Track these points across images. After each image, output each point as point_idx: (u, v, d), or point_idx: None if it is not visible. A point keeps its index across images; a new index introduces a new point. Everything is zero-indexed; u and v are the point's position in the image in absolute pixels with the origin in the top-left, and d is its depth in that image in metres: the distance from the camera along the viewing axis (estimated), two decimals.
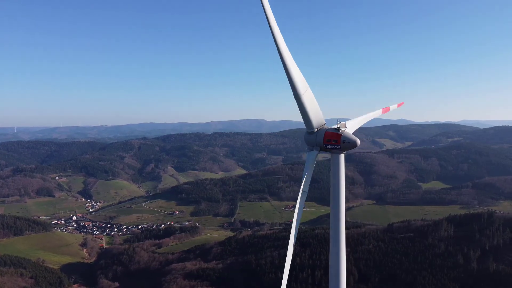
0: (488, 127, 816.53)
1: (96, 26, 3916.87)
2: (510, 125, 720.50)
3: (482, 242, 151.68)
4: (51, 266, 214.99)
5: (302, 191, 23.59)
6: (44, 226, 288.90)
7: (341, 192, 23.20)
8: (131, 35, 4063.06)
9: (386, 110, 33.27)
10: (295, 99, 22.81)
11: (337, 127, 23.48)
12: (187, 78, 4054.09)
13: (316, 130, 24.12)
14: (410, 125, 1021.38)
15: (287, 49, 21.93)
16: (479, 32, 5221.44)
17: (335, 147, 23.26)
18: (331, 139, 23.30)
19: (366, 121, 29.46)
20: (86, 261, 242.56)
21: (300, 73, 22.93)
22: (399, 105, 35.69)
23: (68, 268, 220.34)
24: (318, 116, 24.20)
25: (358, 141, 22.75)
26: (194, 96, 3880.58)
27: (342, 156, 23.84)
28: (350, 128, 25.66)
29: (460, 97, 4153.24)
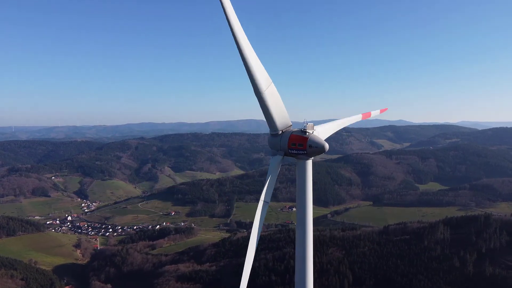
0: (486, 128, 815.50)
1: (95, 25, 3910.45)
2: (508, 126, 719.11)
3: (478, 245, 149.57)
4: (43, 267, 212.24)
5: (264, 201, 21.11)
6: (37, 227, 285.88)
7: (307, 205, 20.68)
8: (131, 35, 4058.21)
9: (367, 115, 30.37)
10: (256, 97, 20.41)
11: (304, 129, 20.86)
12: (186, 78, 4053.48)
13: (281, 132, 21.59)
14: (408, 126, 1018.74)
15: (246, 39, 19.72)
16: (478, 32, 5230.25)
17: (301, 152, 20.67)
18: (296, 143, 20.71)
19: (343, 126, 26.98)
20: (80, 262, 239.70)
21: (262, 66, 20.60)
22: (381, 111, 32.91)
23: (61, 270, 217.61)
24: (282, 115, 21.54)
25: (327, 145, 20.10)
26: (193, 96, 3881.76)
27: (310, 163, 21.23)
28: (323, 132, 23.19)
29: (458, 98, 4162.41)
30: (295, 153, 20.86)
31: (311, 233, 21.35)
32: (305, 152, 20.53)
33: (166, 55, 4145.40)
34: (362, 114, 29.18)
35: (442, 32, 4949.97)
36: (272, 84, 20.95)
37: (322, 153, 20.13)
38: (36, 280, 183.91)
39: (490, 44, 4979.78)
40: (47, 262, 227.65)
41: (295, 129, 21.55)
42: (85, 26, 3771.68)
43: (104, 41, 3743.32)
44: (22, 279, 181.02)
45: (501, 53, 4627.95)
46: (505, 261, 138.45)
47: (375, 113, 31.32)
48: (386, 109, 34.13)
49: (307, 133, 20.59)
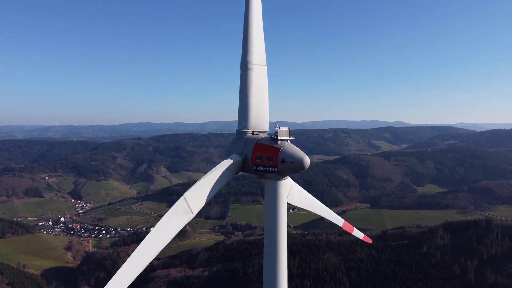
0: (484, 130, 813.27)
1: (93, 24, 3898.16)
2: (507, 128, 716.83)
3: (479, 252, 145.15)
4: (32, 271, 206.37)
5: (184, 199, 14.56)
6: (28, 229, 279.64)
7: (279, 243, 15.20)
8: (130, 34, 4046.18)
9: (350, 228, 24.70)
10: (241, 70, 16.28)
11: (274, 136, 15.00)
12: (185, 78, 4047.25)
13: (251, 133, 15.72)
14: (406, 127, 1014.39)
15: (260, 8, 16.78)
16: (477, 34, 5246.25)
17: (270, 168, 14.27)
18: (263, 156, 14.47)
19: (318, 212, 21.45)
20: (70, 265, 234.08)
21: (263, 42, 17.20)
22: (364, 238, 27.00)
23: (50, 273, 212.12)
24: (261, 109, 16.33)
25: (307, 160, 13.66)
26: (192, 96, 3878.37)
27: (283, 185, 14.76)
28: (296, 193, 18.04)
29: (456, 100, 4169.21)
30: (262, 170, 14.54)
31: (285, 277, 15.98)
32: (276, 169, 14.40)
33: (165, 55, 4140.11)
34: (344, 221, 23.33)
35: (440, 34, 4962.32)
36: (265, 67, 16.99)
37: (300, 170, 13.94)
38: (23, 285, 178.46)
39: (489, 45, 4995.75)
40: (36, 265, 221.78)
41: (263, 136, 15.59)
42: (83, 26, 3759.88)
43: (102, 41, 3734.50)
44: (8, 284, 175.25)
45: (500, 54, 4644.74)
46: (508, 269, 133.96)
47: (356, 233, 25.08)
48: (370, 241, 29.05)
49: (279, 142, 14.61)
